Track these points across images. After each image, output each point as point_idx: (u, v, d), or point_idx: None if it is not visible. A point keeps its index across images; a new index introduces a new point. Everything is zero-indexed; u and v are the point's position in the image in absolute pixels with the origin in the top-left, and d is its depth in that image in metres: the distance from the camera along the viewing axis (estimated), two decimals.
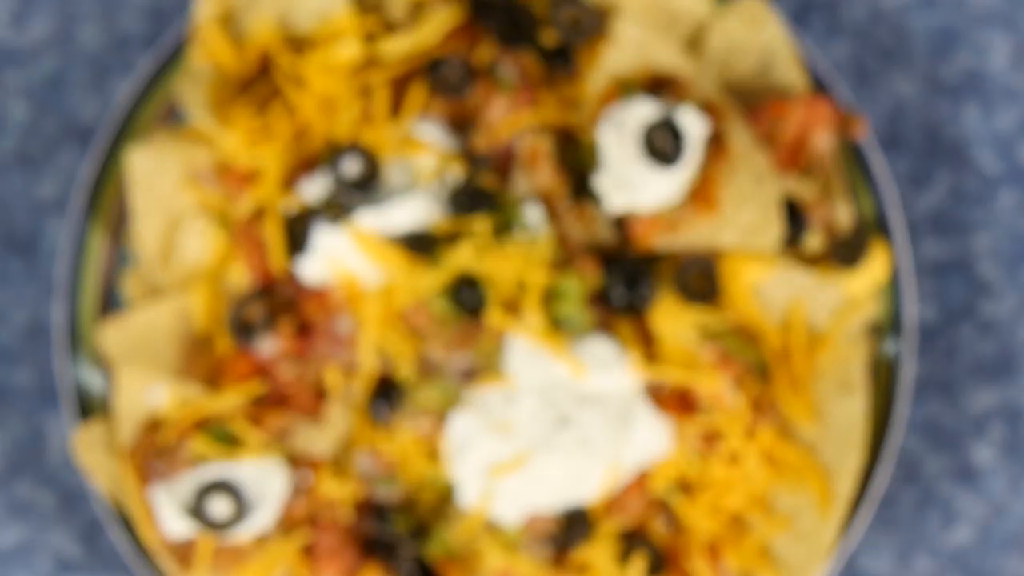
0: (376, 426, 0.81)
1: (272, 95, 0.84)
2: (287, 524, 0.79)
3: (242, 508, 0.77)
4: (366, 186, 0.81)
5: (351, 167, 0.81)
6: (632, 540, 0.82)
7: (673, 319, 0.81)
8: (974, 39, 0.95)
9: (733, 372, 0.81)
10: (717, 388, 0.80)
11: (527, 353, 0.79)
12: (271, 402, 0.81)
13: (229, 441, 0.79)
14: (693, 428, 0.81)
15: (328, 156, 0.82)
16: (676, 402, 0.82)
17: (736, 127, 0.81)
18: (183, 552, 0.79)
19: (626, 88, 0.82)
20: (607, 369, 0.79)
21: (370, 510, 0.82)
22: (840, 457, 0.81)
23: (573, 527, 0.80)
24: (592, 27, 0.84)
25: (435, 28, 0.83)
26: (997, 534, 0.92)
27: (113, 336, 0.84)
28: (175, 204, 0.84)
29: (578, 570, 0.82)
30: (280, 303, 0.82)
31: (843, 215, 0.84)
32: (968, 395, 0.93)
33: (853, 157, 0.85)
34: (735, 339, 0.82)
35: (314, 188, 0.82)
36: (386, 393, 0.81)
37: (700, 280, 0.82)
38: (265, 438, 0.79)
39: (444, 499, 0.82)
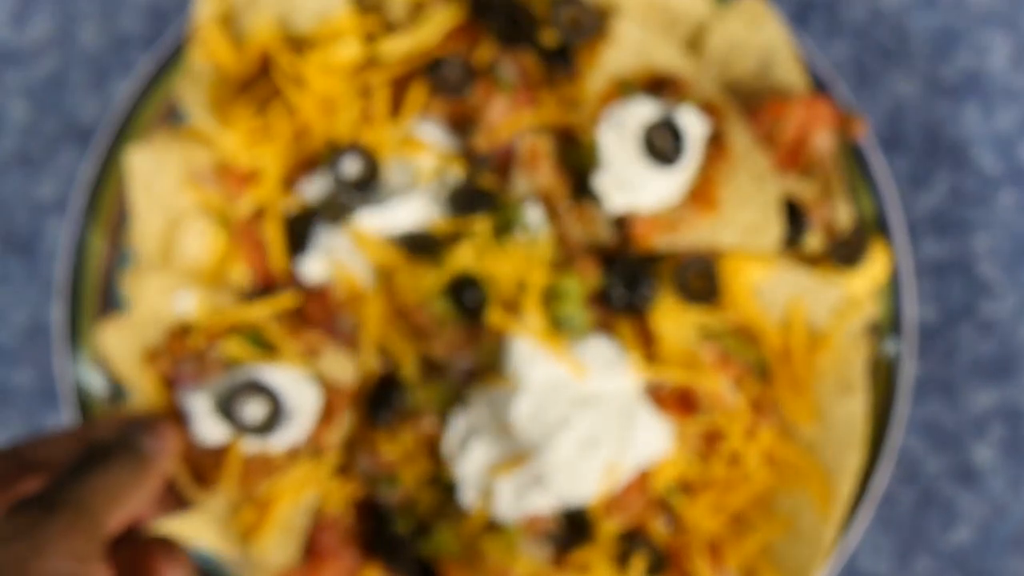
0: (377, 426, 0.81)
1: (272, 95, 0.84)
2: (314, 447, 0.75)
3: (277, 414, 0.72)
4: (366, 186, 0.81)
5: (351, 167, 0.81)
6: (632, 540, 0.82)
7: (673, 319, 0.81)
8: (974, 39, 0.95)
9: (733, 372, 0.81)
10: (717, 388, 0.80)
11: (527, 353, 0.79)
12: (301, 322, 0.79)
13: (262, 348, 0.76)
14: (693, 428, 0.81)
15: (328, 156, 0.82)
16: (676, 402, 0.82)
17: (736, 127, 0.81)
18: (202, 471, 0.74)
19: (626, 88, 0.82)
20: (607, 369, 0.79)
21: (370, 510, 0.82)
22: (840, 457, 0.81)
23: (573, 527, 0.81)
24: (592, 27, 0.84)
25: (435, 28, 0.83)
26: (997, 534, 0.92)
27: (113, 336, 0.84)
28: (175, 204, 0.84)
29: (578, 570, 0.82)
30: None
31: (843, 215, 0.84)
32: (968, 395, 0.93)
33: (853, 157, 0.85)
34: (735, 339, 0.82)
35: (314, 188, 0.82)
36: (387, 393, 0.81)
37: (700, 280, 0.82)
38: (299, 348, 0.75)
39: (445, 499, 0.82)
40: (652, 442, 0.80)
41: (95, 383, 0.85)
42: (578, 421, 0.79)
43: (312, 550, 0.81)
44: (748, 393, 0.81)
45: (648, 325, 0.82)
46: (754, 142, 0.81)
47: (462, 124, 0.84)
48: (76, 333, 0.86)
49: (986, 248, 0.93)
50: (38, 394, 0.94)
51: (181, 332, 0.76)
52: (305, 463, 0.74)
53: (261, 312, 0.75)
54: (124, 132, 0.87)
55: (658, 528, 0.83)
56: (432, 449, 0.81)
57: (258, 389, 0.72)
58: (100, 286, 0.87)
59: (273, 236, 0.81)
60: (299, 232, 0.81)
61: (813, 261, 0.84)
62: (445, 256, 0.80)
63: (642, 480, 0.81)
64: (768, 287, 0.83)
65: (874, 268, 0.84)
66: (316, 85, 0.82)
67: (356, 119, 0.82)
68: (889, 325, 0.85)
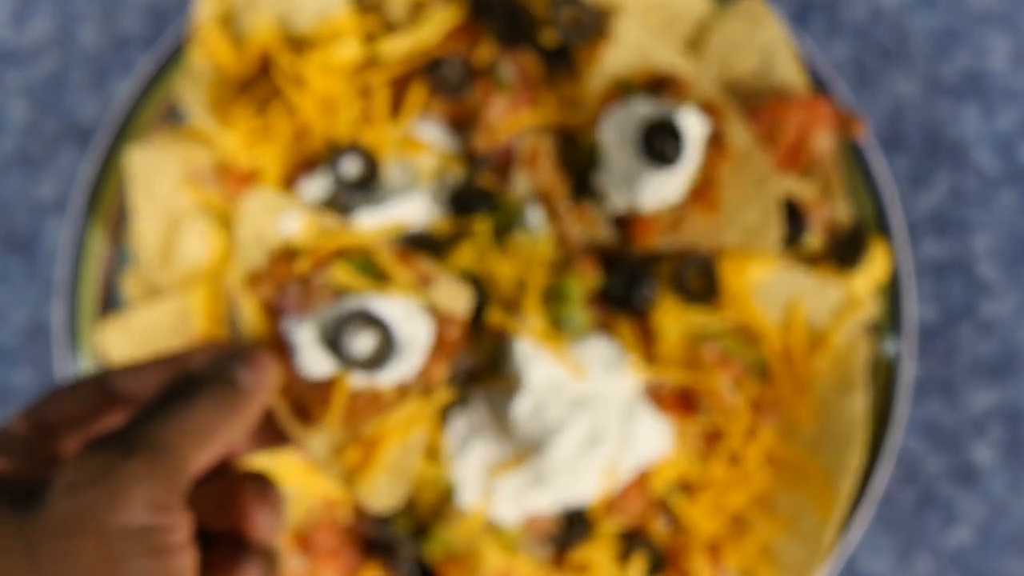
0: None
1: (272, 95, 0.84)
2: (425, 384, 0.69)
3: (387, 347, 0.66)
4: (366, 186, 0.81)
5: (351, 167, 0.81)
6: (632, 540, 0.82)
7: (673, 319, 0.81)
8: (974, 39, 0.95)
9: (733, 372, 0.81)
10: (717, 388, 0.80)
11: (527, 353, 0.79)
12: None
13: (371, 276, 0.69)
14: (693, 428, 0.81)
15: (328, 156, 0.82)
16: (676, 402, 0.82)
17: (736, 127, 0.81)
18: (305, 407, 0.67)
19: (626, 88, 0.82)
20: (607, 369, 0.79)
21: (370, 510, 0.82)
22: (840, 457, 0.81)
23: (573, 527, 0.80)
24: (592, 27, 0.84)
25: (435, 28, 0.83)
26: (997, 534, 0.92)
27: (113, 336, 0.84)
28: (175, 204, 0.84)
29: (578, 570, 0.81)
30: None
31: (843, 215, 0.84)
32: (968, 395, 0.93)
33: (853, 157, 0.85)
34: (735, 339, 0.82)
35: (314, 188, 0.82)
36: None
37: (700, 280, 0.82)
38: (412, 279, 0.68)
39: (444, 499, 0.82)
40: (652, 442, 0.80)
41: None
42: (578, 421, 0.79)
43: (312, 550, 0.81)
44: (748, 393, 0.81)
45: (648, 325, 0.82)
46: (754, 142, 0.81)
47: (462, 124, 0.84)
48: (76, 333, 0.86)
49: (986, 248, 0.93)
50: (38, 394, 0.94)
51: (287, 256, 0.69)
52: (415, 400, 0.68)
53: (373, 236, 0.69)
54: (124, 132, 0.87)
55: (658, 528, 0.83)
56: (432, 449, 0.81)
57: (368, 320, 0.66)
58: (100, 286, 0.87)
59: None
60: None
61: (813, 261, 0.84)
62: (445, 256, 0.80)
63: (642, 480, 0.81)
64: (768, 287, 0.83)
65: (874, 268, 0.84)
66: (316, 85, 0.82)
67: (356, 119, 0.82)
68: (889, 325, 0.85)
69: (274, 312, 0.67)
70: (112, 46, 0.97)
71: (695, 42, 0.86)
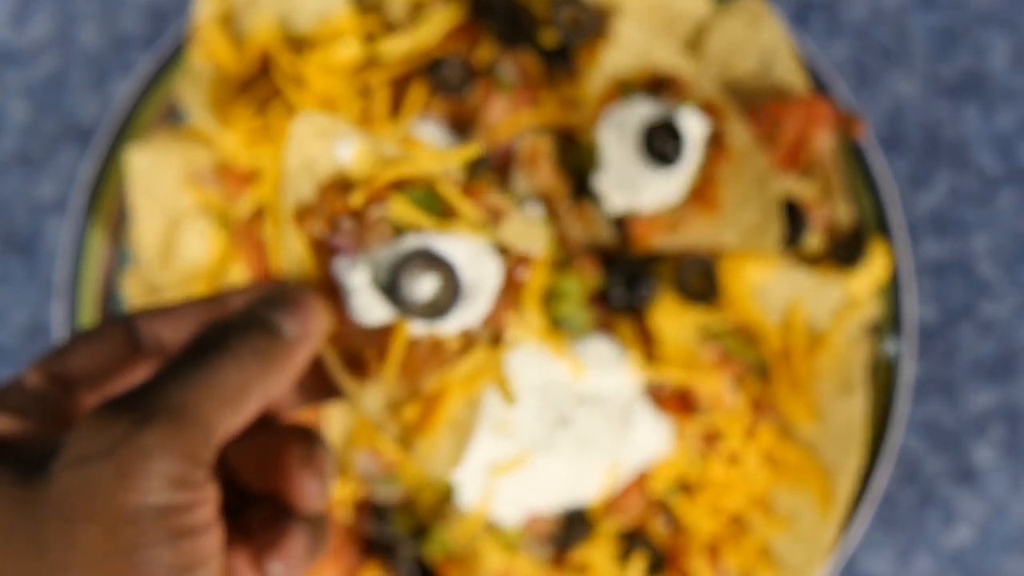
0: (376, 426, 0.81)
1: (272, 95, 0.84)
2: (493, 332, 0.61)
3: (452, 290, 0.58)
4: None
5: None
6: (632, 540, 0.82)
7: (673, 319, 0.81)
8: (974, 39, 0.95)
9: (733, 372, 0.81)
10: (717, 388, 0.80)
11: (527, 353, 0.79)
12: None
13: (433, 212, 0.60)
14: (693, 428, 0.81)
15: None
16: (676, 402, 0.82)
17: (736, 127, 0.81)
18: (357, 357, 0.58)
19: (626, 88, 0.82)
20: (607, 369, 0.79)
21: (370, 510, 0.82)
22: (840, 457, 0.81)
23: (573, 527, 0.81)
24: (592, 27, 0.84)
25: (435, 28, 0.83)
26: (997, 534, 0.92)
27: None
28: (175, 204, 0.84)
29: (578, 570, 0.82)
30: None
31: (843, 215, 0.84)
32: (968, 395, 0.93)
33: (853, 157, 0.85)
34: (735, 339, 0.82)
35: None
36: None
37: (700, 280, 0.82)
38: (479, 215, 0.59)
39: (444, 499, 0.82)
40: (652, 442, 0.80)
41: None
42: (578, 421, 0.79)
43: None
44: (748, 393, 0.81)
45: (648, 325, 0.82)
46: (754, 142, 0.81)
47: (462, 124, 0.84)
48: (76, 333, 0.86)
49: (986, 248, 0.93)
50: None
51: (340, 187, 0.60)
52: (482, 350, 0.60)
53: (442, 163, 0.59)
54: (124, 132, 0.87)
55: (657, 528, 0.83)
56: None
57: (430, 260, 0.57)
58: (100, 286, 0.87)
59: (273, 236, 0.81)
60: None
61: (813, 261, 0.84)
62: None
63: (642, 480, 0.81)
64: (768, 287, 0.83)
65: (874, 268, 0.84)
66: (316, 85, 0.82)
67: (356, 119, 0.82)
68: (889, 325, 0.85)
69: (324, 251, 0.58)
70: (112, 46, 0.97)
71: (695, 42, 0.86)
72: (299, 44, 0.84)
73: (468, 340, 0.59)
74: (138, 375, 0.47)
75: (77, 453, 0.39)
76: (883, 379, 0.85)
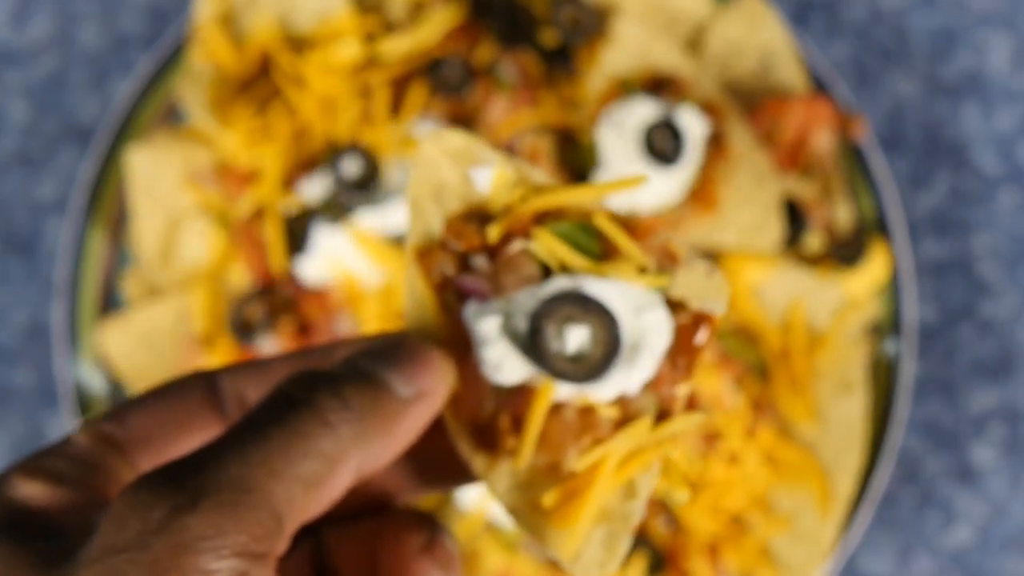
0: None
1: (272, 95, 0.84)
2: (659, 402, 0.50)
3: (609, 345, 0.48)
4: (366, 186, 0.81)
5: (351, 167, 0.81)
6: (632, 540, 0.82)
7: None
8: (974, 39, 0.95)
9: (733, 372, 0.81)
10: (717, 388, 0.80)
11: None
12: None
13: (586, 251, 0.50)
14: (693, 428, 0.81)
15: (328, 156, 0.82)
16: None
17: (736, 127, 0.81)
18: (484, 425, 0.47)
19: (626, 88, 0.82)
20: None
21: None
22: (840, 457, 0.81)
23: None
24: (592, 27, 0.84)
25: (435, 28, 0.83)
26: (997, 534, 0.92)
27: (113, 336, 0.84)
28: (175, 204, 0.84)
29: None
30: (280, 303, 0.82)
31: (843, 215, 0.84)
32: (968, 395, 0.93)
33: (853, 157, 0.85)
34: (735, 339, 0.82)
35: (314, 188, 0.82)
36: None
37: None
38: (650, 256, 0.50)
39: (444, 499, 0.82)
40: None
41: (95, 383, 0.85)
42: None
43: None
44: (748, 393, 0.81)
45: None
46: (754, 142, 0.81)
47: (462, 124, 0.84)
48: (76, 333, 0.86)
49: (986, 248, 0.93)
50: (38, 394, 0.94)
51: (474, 219, 0.50)
52: (645, 424, 0.49)
53: (597, 194, 0.49)
54: (124, 132, 0.87)
55: (657, 528, 0.83)
56: None
57: (583, 305, 0.47)
58: (100, 286, 0.87)
59: (273, 236, 0.81)
60: (299, 232, 0.82)
61: (813, 261, 0.84)
62: None
63: None
64: (768, 287, 0.83)
65: (874, 268, 0.84)
66: (316, 85, 0.82)
67: (356, 119, 0.82)
68: (889, 325, 0.85)
69: (451, 294, 0.48)
70: (112, 46, 0.97)
71: (695, 42, 0.86)
72: (299, 44, 0.84)
73: (626, 410, 0.49)
74: (202, 438, 0.39)
75: (105, 544, 0.31)
76: (883, 379, 0.85)
